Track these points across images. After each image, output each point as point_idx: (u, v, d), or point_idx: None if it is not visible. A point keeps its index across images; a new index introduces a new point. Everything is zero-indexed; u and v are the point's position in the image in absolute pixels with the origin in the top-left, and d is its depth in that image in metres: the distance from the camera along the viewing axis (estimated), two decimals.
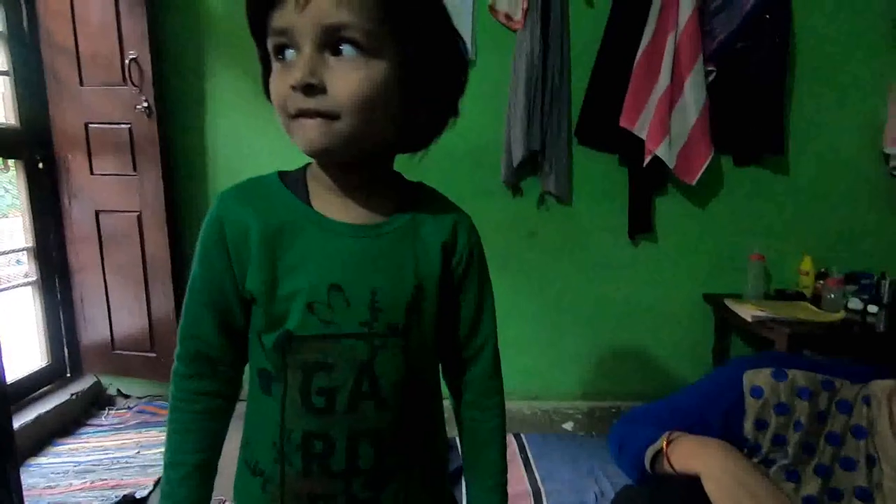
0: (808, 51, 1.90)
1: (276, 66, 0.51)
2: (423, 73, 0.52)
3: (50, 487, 1.54)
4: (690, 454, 0.68)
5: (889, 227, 2.01)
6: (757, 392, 0.70)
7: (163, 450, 0.57)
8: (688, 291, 2.05)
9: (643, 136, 1.82)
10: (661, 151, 1.77)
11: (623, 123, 1.83)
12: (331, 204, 0.55)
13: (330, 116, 0.48)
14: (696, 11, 1.75)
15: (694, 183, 1.83)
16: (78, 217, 1.98)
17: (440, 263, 0.57)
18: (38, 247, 1.95)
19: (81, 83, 1.90)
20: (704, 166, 1.79)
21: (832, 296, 1.78)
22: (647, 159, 1.82)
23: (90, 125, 1.92)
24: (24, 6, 1.86)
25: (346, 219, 0.54)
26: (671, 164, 1.80)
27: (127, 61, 1.83)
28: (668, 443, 0.72)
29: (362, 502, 0.55)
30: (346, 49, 0.47)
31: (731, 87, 1.83)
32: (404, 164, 0.62)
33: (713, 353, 2.04)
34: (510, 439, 1.82)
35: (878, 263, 1.91)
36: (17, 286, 1.99)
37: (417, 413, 0.58)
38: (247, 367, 0.59)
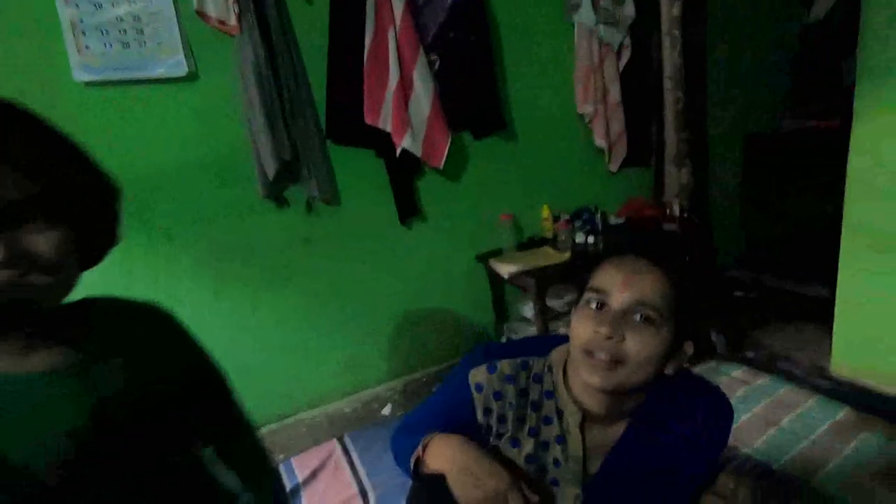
0: (507, 36, 2.19)
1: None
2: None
3: None
4: (435, 455, 0.80)
5: (592, 166, 2.53)
6: (479, 387, 0.84)
7: None
8: (463, 257, 2.30)
9: (388, 129, 1.91)
10: (407, 143, 1.90)
11: (368, 121, 1.89)
12: None
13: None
14: (406, 6, 1.85)
15: (441, 166, 2.02)
16: None
17: None
18: None
19: None
20: (446, 151, 1.98)
21: (563, 237, 2.19)
22: (398, 151, 1.93)
23: None
24: None
25: None
26: (418, 154, 1.94)
27: None
28: (424, 448, 0.82)
29: None
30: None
31: (454, 72, 2.02)
32: None
33: (493, 304, 2.37)
34: (334, 446, 1.87)
35: (593, 199, 2.42)
36: None
37: None
38: None
